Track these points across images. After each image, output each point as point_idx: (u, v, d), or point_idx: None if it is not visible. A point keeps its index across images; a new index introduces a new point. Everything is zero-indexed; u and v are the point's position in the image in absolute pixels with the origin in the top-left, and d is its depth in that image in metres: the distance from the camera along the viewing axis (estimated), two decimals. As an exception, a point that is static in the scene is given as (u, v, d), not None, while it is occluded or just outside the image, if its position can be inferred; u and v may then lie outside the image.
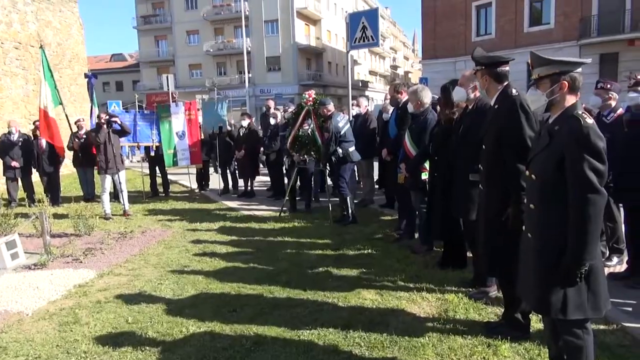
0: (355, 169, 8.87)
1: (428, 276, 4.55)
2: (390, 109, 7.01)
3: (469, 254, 4.64)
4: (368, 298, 4.15)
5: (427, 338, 3.35)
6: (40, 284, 4.86)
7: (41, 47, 9.46)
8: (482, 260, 3.51)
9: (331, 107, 7.11)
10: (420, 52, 35.55)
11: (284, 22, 40.32)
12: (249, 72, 36.20)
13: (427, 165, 5.08)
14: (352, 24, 7.95)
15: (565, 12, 21.67)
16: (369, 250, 5.57)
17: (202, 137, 10.40)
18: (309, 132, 7.36)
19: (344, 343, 3.35)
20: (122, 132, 8.44)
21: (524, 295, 2.69)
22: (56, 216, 7.97)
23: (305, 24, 42.82)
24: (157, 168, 10.40)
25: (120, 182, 8.34)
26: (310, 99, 7.45)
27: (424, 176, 5.14)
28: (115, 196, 9.31)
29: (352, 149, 6.94)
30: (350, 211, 6.91)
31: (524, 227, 2.65)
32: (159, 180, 10.56)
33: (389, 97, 7.20)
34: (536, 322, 3.35)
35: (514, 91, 3.16)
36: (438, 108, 5.15)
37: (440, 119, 4.73)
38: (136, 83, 46.41)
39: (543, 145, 2.47)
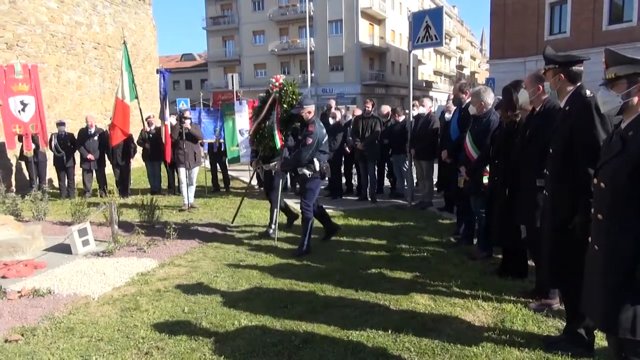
0: (414, 170, 8.73)
1: (485, 284, 4.38)
2: (453, 109, 6.81)
3: (531, 263, 4.42)
4: (421, 303, 4.05)
5: (480, 348, 3.22)
6: (107, 271, 5.14)
7: (124, 42, 10.06)
8: (545, 270, 3.32)
9: (312, 108, 5.79)
10: (488, 52, 34.36)
11: (348, 22, 40.36)
12: (311, 72, 36.56)
13: (488, 168, 4.90)
14: (415, 23, 7.78)
15: (650, 9, 20.15)
16: (425, 254, 5.45)
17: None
18: (268, 124, 6.24)
19: (393, 347, 3.29)
20: (191, 137, 8.74)
21: (589, 312, 2.52)
22: (124, 206, 8.42)
23: (370, 24, 42.64)
24: (217, 164, 10.75)
25: (189, 177, 8.70)
26: (277, 84, 6.21)
27: (485, 180, 4.96)
28: (179, 190, 9.73)
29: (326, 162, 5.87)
30: (306, 239, 5.70)
31: (589, 239, 2.48)
32: (220, 176, 10.89)
33: (452, 96, 6.99)
34: (601, 340, 3.12)
35: (588, 92, 2.97)
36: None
37: (502, 121, 4.54)
38: (204, 82, 48.20)
39: (615, 152, 2.29)
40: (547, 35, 23.70)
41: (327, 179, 6.07)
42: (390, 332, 3.48)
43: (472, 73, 75.82)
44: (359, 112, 9.79)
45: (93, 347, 3.44)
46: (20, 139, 9.78)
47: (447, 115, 7.20)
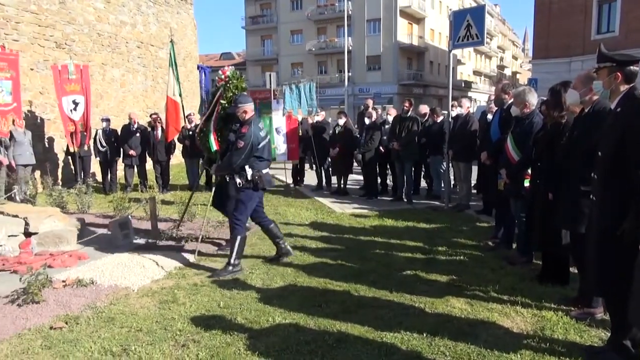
0: (452, 171, 8.58)
1: (524, 290, 4.26)
2: (495, 109, 6.65)
3: (573, 270, 4.27)
4: (457, 307, 3.98)
5: (519, 355, 3.13)
6: (146, 264, 5.28)
7: (171, 41, 10.32)
8: (590, 277, 3.20)
9: (249, 107, 5.05)
10: (531, 52, 33.41)
11: (387, 21, 40.08)
12: (348, 71, 36.46)
13: (530, 171, 4.76)
14: (456, 22, 7.63)
15: None
16: (461, 257, 5.34)
17: (300, 134, 10.67)
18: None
19: (428, 350, 3.24)
20: None
21: (637, 322, 2.42)
22: (163, 202, 8.64)
23: (408, 23, 42.23)
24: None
25: None
26: (223, 76, 5.65)
27: (527, 183, 4.82)
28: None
29: (265, 171, 5.14)
30: (233, 258, 4.91)
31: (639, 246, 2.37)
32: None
33: (493, 97, 6.83)
34: (649, 353, 3.00)
35: None
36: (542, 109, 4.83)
37: (546, 122, 4.40)
38: (242, 80, 48.80)
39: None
40: (595, 34, 22.85)
41: (261, 190, 5.15)
42: (425, 335, 3.43)
43: (514, 73, 73.94)
44: (393, 111, 9.71)
45: (132, 337, 3.54)
46: (71, 136, 10.19)
47: (490, 117, 7.03)
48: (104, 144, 10.43)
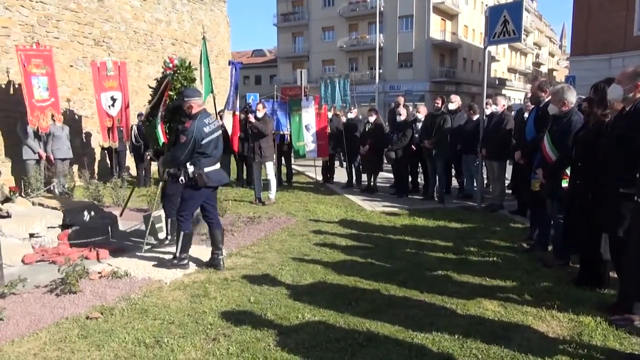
0: (485, 171, 8.41)
1: (561, 293, 4.13)
2: (531, 107, 6.48)
3: (612, 274, 4.12)
4: (490, 309, 3.89)
5: (554, 361, 3.05)
6: (179, 257, 5.36)
7: (204, 38, 10.47)
8: (631, 282, 3.09)
9: (197, 102, 4.85)
10: (568, 48, 32.44)
11: (419, 18, 39.59)
12: (380, 68, 36.19)
13: (568, 171, 4.61)
14: (492, 18, 7.46)
15: None
16: (494, 259, 5.23)
17: (329, 131, 10.64)
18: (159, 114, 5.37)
19: (459, 352, 3.18)
20: (257, 131, 8.77)
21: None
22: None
23: (442, 19, 41.62)
24: (283, 158, 10.92)
25: (257, 171, 8.94)
26: (171, 65, 5.46)
27: (565, 184, 4.67)
28: (247, 182, 10.04)
29: (211, 168, 4.88)
30: (178, 252, 4.94)
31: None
32: (284, 169, 11.08)
33: (530, 94, 6.65)
34: (695, 363, 2.86)
35: None
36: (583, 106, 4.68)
37: (588, 121, 4.25)
38: (273, 77, 49.10)
39: None
40: (637, 30, 21.96)
41: (205, 188, 4.91)
42: (457, 337, 3.37)
43: (550, 71, 71.94)
44: (423, 109, 9.57)
45: (165, 329, 3.61)
46: (107, 131, 10.46)
47: (527, 115, 6.84)
48: (139, 139, 10.66)
